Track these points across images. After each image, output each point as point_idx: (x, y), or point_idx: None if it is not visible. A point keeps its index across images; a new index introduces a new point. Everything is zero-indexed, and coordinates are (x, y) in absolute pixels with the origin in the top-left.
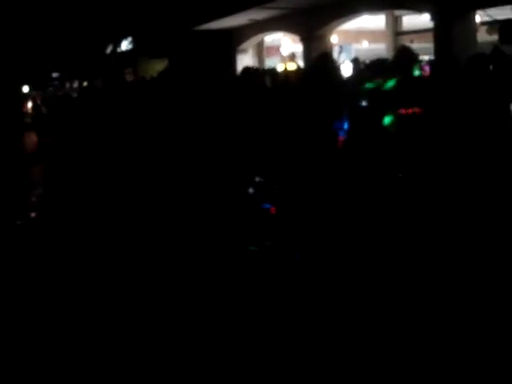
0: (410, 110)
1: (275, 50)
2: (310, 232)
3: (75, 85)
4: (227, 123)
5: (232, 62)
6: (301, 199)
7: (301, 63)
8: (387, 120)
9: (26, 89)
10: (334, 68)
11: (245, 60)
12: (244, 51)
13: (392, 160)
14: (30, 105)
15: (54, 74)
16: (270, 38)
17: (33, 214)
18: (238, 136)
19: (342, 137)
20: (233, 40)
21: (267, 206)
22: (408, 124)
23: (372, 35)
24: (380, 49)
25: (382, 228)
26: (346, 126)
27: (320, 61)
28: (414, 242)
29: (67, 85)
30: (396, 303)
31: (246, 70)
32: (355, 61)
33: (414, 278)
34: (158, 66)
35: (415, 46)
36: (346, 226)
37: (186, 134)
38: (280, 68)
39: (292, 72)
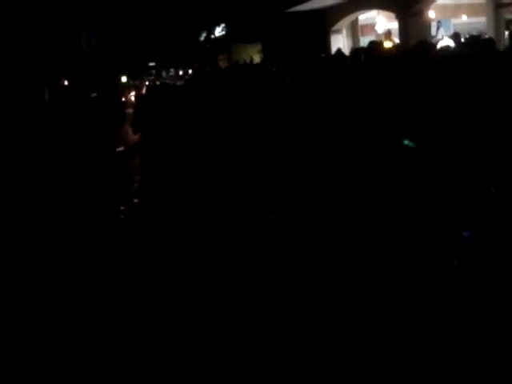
0: None
1: (370, 28)
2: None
3: (171, 73)
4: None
5: (326, 43)
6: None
7: (397, 41)
8: None
9: (124, 79)
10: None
11: (339, 40)
12: (338, 31)
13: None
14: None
15: (151, 63)
16: (364, 17)
17: (135, 200)
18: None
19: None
20: (326, 20)
21: None
22: None
23: (471, 8)
24: (480, 23)
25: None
26: None
27: (417, 51)
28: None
29: (163, 73)
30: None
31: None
32: (456, 36)
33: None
34: (251, 51)
35: None
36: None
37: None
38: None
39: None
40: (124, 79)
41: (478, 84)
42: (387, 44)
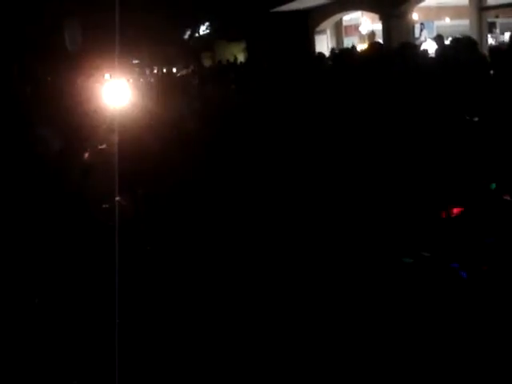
0: None
1: (354, 29)
2: None
3: (155, 71)
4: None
5: (310, 44)
6: None
7: (381, 42)
8: None
9: (107, 76)
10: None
11: (323, 41)
12: (322, 32)
13: None
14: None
15: (134, 61)
16: (349, 17)
17: None
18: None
19: None
20: (310, 21)
21: None
22: None
23: (454, 11)
24: (463, 25)
25: None
26: None
27: (402, 51)
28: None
29: (147, 71)
30: None
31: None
32: (439, 38)
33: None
34: (235, 49)
35: (501, 21)
36: None
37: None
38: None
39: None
40: (107, 77)
41: (460, 85)
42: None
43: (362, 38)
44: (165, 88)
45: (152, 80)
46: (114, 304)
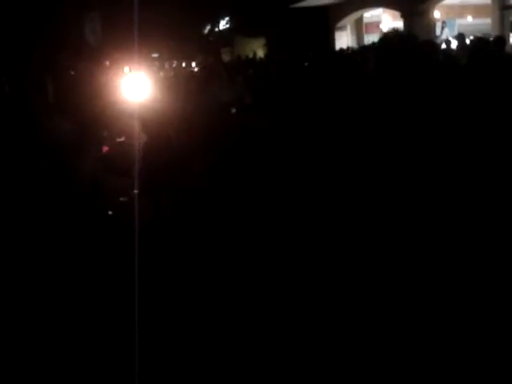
0: None
1: (375, 26)
2: None
3: (174, 65)
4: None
5: (330, 40)
6: None
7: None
8: None
9: (126, 70)
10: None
11: (343, 37)
12: (342, 28)
13: None
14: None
15: (154, 55)
16: (370, 14)
17: None
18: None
19: None
20: (330, 17)
21: None
22: None
23: (476, 9)
24: (485, 24)
25: None
26: None
27: (424, 48)
28: None
29: (166, 65)
30: None
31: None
32: (460, 37)
33: None
34: (254, 45)
35: None
36: None
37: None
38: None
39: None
40: (127, 70)
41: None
42: None
43: (382, 35)
44: (186, 82)
45: (172, 74)
46: (125, 303)
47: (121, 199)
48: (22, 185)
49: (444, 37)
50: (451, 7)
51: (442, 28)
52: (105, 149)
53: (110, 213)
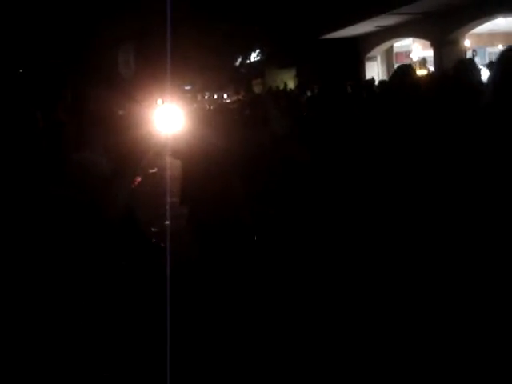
0: None
1: (405, 56)
2: None
3: (206, 97)
4: None
5: (360, 70)
6: None
7: (432, 69)
8: None
9: (159, 102)
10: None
11: (373, 67)
12: (372, 58)
13: None
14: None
15: (186, 87)
16: (399, 44)
17: None
18: None
19: None
20: (360, 47)
21: None
22: None
23: (506, 37)
24: None
25: None
26: None
27: (459, 67)
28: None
29: (198, 97)
30: None
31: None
32: (491, 65)
33: None
34: (285, 76)
35: None
36: None
37: None
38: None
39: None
40: (159, 102)
41: None
42: (421, 72)
43: (413, 64)
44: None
45: (208, 106)
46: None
47: (153, 229)
48: (48, 216)
49: None
50: (481, 36)
51: (473, 56)
52: (137, 180)
53: (153, 240)
